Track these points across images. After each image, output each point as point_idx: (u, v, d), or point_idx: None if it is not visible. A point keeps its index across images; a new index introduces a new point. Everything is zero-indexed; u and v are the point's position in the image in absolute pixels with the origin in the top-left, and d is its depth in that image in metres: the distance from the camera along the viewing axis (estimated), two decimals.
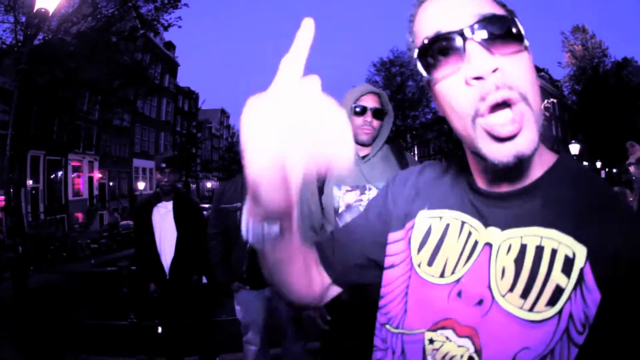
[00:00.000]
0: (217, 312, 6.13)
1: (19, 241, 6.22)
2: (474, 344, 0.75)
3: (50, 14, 5.22)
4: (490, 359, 0.73)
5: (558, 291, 0.70)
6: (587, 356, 0.67)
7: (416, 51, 0.78)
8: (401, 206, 0.96)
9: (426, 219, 0.89)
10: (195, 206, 4.44)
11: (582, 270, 0.69)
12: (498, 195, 0.81)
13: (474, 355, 0.74)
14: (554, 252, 0.72)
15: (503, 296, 0.74)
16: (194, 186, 53.10)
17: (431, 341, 0.80)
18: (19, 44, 13.87)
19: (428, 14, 0.79)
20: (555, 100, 43.34)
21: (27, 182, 22.93)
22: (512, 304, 0.72)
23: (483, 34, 0.71)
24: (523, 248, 0.74)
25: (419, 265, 0.86)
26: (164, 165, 3.94)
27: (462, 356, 0.76)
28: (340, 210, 2.46)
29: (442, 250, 0.84)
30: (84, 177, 30.36)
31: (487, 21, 0.72)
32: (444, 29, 0.73)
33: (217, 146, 66.73)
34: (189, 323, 4.20)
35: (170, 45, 43.38)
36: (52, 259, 15.11)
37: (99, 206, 31.51)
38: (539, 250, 0.73)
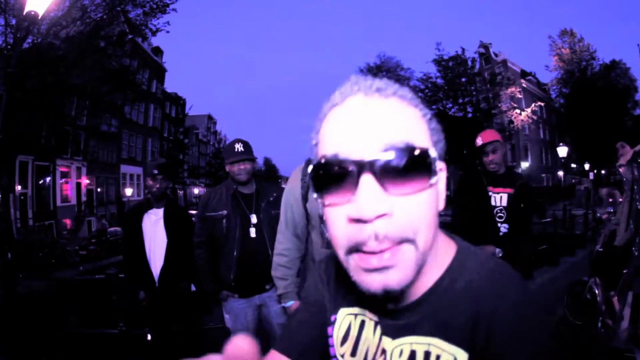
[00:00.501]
0: (207, 319, 6.10)
1: (7, 248, 6.17)
2: None
3: (39, 17, 5.20)
4: None
5: None
6: None
7: (312, 165, 0.73)
8: (328, 301, 1.00)
9: (345, 316, 0.94)
10: (185, 213, 4.42)
11: None
12: (387, 311, 0.84)
13: None
14: (437, 357, 0.76)
15: None
16: (181, 192, 52.92)
17: None
18: (9, 47, 13.77)
19: (334, 126, 0.73)
20: (542, 104, 43.71)
21: (16, 187, 22.74)
22: None
23: (383, 169, 0.66)
24: (413, 353, 0.79)
25: (342, 356, 0.92)
26: (156, 171, 3.92)
27: None
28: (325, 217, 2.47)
29: (362, 343, 0.89)
30: (72, 183, 30.14)
31: (394, 153, 0.67)
32: (343, 153, 0.68)
33: (204, 152, 66.58)
34: (178, 331, 4.18)
35: (158, 51, 43.25)
36: (41, 265, 14.97)
37: (87, 212, 31.28)
38: (427, 355, 0.77)
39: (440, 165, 0.74)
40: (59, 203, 28.22)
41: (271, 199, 3.54)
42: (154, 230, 4.00)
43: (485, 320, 0.74)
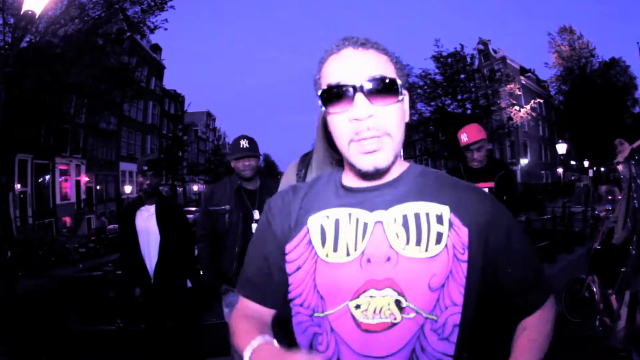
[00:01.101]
0: (207, 315, 6.11)
1: (6, 246, 6.17)
2: (395, 290, 1.04)
3: (37, 16, 5.19)
4: (412, 294, 1.04)
5: (439, 235, 1.08)
6: (470, 266, 1.08)
7: (320, 90, 1.10)
8: (285, 222, 1.22)
9: (316, 221, 1.16)
10: (178, 209, 4.42)
11: (449, 219, 1.10)
12: (374, 187, 1.16)
13: (400, 298, 1.04)
14: (427, 214, 1.10)
15: (403, 249, 1.06)
16: (180, 189, 52.90)
17: (357, 306, 1.06)
18: (7, 46, 13.73)
19: (334, 65, 1.10)
20: (542, 101, 43.64)
21: (16, 186, 22.72)
22: (412, 251, 1.06)
23: (368, 90, 1.04)
24: (405, 217, 1.10)
25: (327, 256, 1.11)
26: (145, 167, 3.92)
27: (389, 303, 1.04)
28: None
29: (341, 237, 1.11)
30: (71, 180, 30.14)
31: (373, 81, 1.05)
32: (343, 81, 1.06)
33: (204, 149, 66.58)
34: (174, 326, 4.19)
35: (156, 48, 43.22)
36: (41, 263, 14.97)
37: (87, 210, 31.29)
38: (417, 215, 1.10)
39: (404, 91, 1.14)
40: (58, 201, 28.22)
41: None
42: (147, 227, 4.00)
43: (451, 187, 1.19)
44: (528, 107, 37.89)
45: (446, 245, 1.07)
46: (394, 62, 1.16)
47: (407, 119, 1.16)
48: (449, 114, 36.77)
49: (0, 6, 14.77)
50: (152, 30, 21.37)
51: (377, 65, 1.09)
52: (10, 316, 6.08)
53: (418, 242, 1.07)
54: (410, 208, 1.11)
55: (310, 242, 1.15)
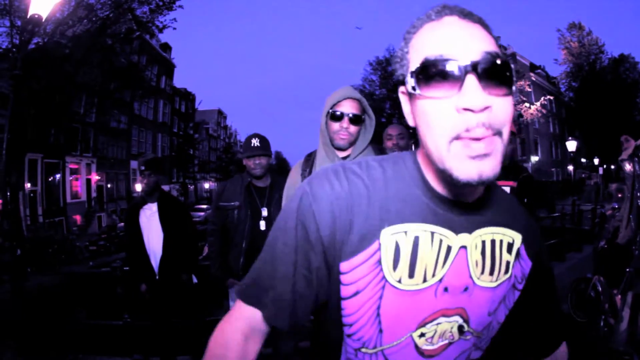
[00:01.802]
0: (216, 311, 6.15)
1: (16, 244, 6.24)
2: (461, 317, 0.97)
3: (43, 20, 5.24)
4: (475, 320, 0.99)
5: (508, 264, 1.00)
6: (523, 295, 1.06)
7: (414, 65, 0.85)
8: (342, 230, 0.94)
9: (391, 237, 0.92)
10: (181, 206, 4.53)
11: (518, 249, 1.02)
12: (464, 204, 0.96)
13: (463, 324, 0.98)
14: (501, 241, 1.00)
15: (479, 279, 0.96)
16: (192, 187, 53.06)
17: (422, 335, 0.96)
18: (14, 48, 13.83)
19: (435, 34, 0.85)
20: (552, 98, 43.39)
21: (26, 185, 22.90)
22: (486, 281, 0.97)
23: (483, 72, 0.79)
24: (484, 243, 0.97)
25: (399, 281, 0.92)
26: (143, 167, 4.01)
27: (452, 327, 0.97)
28: None
29: (419, 260, 0.92)
30: (81, 179, 30.34)
31: (489, 60, 0.81)
32: (449, 55, 0.81)
33: (215, 147, 66.68)
34: (180, 322, 4.24)
35: (166, 47, 43.34)
36: (51, 261, 15.08)
37: (97, 208, 31.47)
38: (493, 242, 0.98)
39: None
40: (68, 199, 28.42)
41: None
42: (150, 225, 4.14)
43: (523, 214, 1.09)
44: (538, 104, 37.76)
45: (510, 276, 1.02)
46: (499, 47, 0.89)
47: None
48: None
49: (7, 9, 14.89)
50: (160, 30, 21.42)
51: (490, 42, 0.85)
52: (20, 312, 6.16)
53: (491, 272, 0.98)
54: (489, 233, 0.98)
55: (379, 262, 0.93)
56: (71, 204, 28.53)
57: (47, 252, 15.38)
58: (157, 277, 4.12)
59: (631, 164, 3.97)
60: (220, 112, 72.23)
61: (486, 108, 0.78)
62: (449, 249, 0.94)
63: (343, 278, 0.94)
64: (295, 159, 2.37)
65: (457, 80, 0.79)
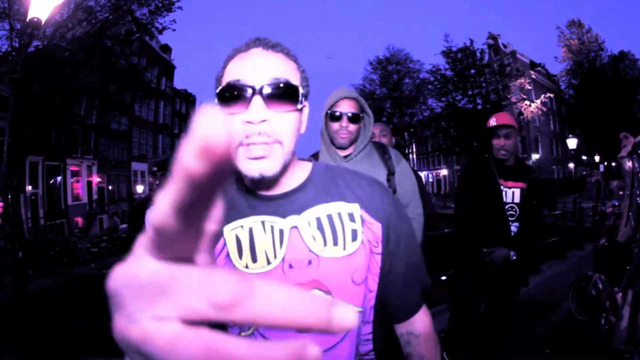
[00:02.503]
0: None
1: (17, 247, 6.24)
2: (321, 290, 1.09)
3: (42, 23, 5.24)
4: (338, 291, 1.10)
5: (354, 232, 1.13)
6: (384, 257, 1.19)
7: (220, 87, 1.07)
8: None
9: (230, 232, 1.11)
10: None
11: (361, 216, 1.16)
12: (282, 195, 1.14)
13: (327, 297, 0.96)
14: (339, 214, 1.14)
15: (322, 251, 1.10)
16: None
17: None
18: (14, 52, 13.85)
19: (239, 64, 1.08)
20: (552, 95, 43.36)
21: (27, 188, 22.92)
22: (331, 252, 1.10)
23: (267, 93, 1.02)
24: (319, 219, 1.12)
25: (246, 267, 1.09)
26: (155, 168, 3.99)
27: None
28: None
29: (257, 246, 1.10)
30: (82, 181, 30.34)
31: (274, 85, 1.02)
32: (244, 80, 1.03)
33: None
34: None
35: (166, 48, 43.31)
36: (53, 263, 15.08)
37: (99, 210, 31.46)
38: (330, 216, 1.13)
39: (305, 101, 1.11)
40: (70, 202, 28.42)
41: None
42: None
43: (354, 184, 1.21)
44: (538, 101, 37.75)
45: (362, 241, 1.14)
46: (300, 71, 1.15)
47: (302, 130, 1.16)
48: (460, 109, 36.78)
49: (6, 12, 14.91)
50: (160, 32, 21.49)
51: (282, 70, 1.07)
52: (21, 314, 6.16)
53: (335, 243, 1.12)
54: (322, 210, 1.15)
55: (228, 255, 1.11)
56: (72, 206, 28.54)
57: (48, 255, 15.40)
58: None
59: (630, 161, 3.95)
60: None
61: (263, 121, 1.00)
62: (281, 231, 1.11)
63: None
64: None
65: (247, 100, 1.01)
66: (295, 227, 1.12)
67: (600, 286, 4.78)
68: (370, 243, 1.17)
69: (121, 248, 19.86)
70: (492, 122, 3.73)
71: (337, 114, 2.52)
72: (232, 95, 1.03)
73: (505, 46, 45.74)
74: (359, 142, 2.63)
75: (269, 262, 1.09)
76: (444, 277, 5.68)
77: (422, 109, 44.08)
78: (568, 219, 13.24)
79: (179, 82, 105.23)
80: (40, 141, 23.06)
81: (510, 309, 3.78)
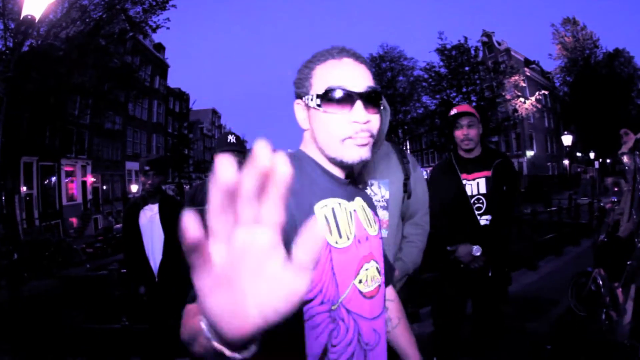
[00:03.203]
0: None
1: (13, 249, 6.20)
2: (374, 260, 1.33)
3: (36, 21, 5.19)
4: (380, 260, 1.38)
5: (375, 219, 1.44)
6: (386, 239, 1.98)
7: (319, 89, 1.22)
8: (299, 209, 1.20)
9: (320, 209, 1.23)
10: (182, 207, 4.43)
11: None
12: (347, 182, 1.35)
13: (377, 265, 1.35)
14: (367, 204, 1.43)
15: (367, 230, 1.34)
16: (187, 187, 53.02)
17: (360, 281, 1.26)
18: (8, 50, 13.77)
19: (337, 71, 1.23)
20: (546, 92, 43.45)
21: (21, 188, 22.84)
22: (371, 231, 1.36)
23: (366, 99, 1.21)
24: (363, 206, 1.39)
25: (336, 243, 1.21)
26: (147, 167, 3.95)
27: (374, 270, 1.32)
28: None
29: (340, 224, 1.24)
30: (77, 181, 30.25)
31: (370, 91, 1.22)
32: (347, 86, 1.20)
33: (209, 146, 66.50)
34: (178, 324, 4.20)
35: (159, 47, 43.20)
36: (48, 264, 15.03)
37: (93, 210, 31.40)
38: (363, 206, 1.39)
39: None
40: (64, 202, 28.34)
41: None
42: (151, 226, 4.06)
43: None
44: (533, 98, 37.84)
45: (379, 226, 1.47)
46: (375, 79, 1.32)
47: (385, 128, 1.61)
48: (454, 107, 36.84)
49: (0, 11, 14.82)
50: (154, 30, 21.44)
51: (371, 79, 1.27)
52: (17, 316, 6.12)
53: (370, 225, 1.38)
54: (360, 200, 1.40)
55: None
56: (67, 207, 28.45)
57: (44, 256, 15.34)
58: (157, 280, 4.06)
59: (631, 158, 3.94)
60: (214, 112, 72.05)
61: (368, 121, 1.21)
62: (350, 213, 1.29)
63: None
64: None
65: (350, 103, 1.20)
66: (355, 210, 1.33)
67: (600, 282, 4.76)
68: (380, 228, 1.46)
69: (116, 248, 19.84)
70: (453, 112, 3.67)
71: None
72: (336, 97, 1.20)
73: (499, 44, 45.78)
74: (377, 136, 2.54)
75: (348, 238, 1.25)
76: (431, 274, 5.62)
77: (416, 106, 44.24)
78: (564, 215, 13.28)
79: (173, 81, 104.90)
80: (34, 141, 23.00)
81: (497, 309, 3.68)
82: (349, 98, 1.20)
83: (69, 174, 29.37)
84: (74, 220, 28.73)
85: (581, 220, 13.59)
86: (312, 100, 1.24)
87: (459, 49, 37.33)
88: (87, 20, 18.83)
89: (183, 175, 48.94)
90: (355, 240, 1.28)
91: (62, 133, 26.31)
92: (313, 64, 1.29)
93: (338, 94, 1.20)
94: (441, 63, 37.84)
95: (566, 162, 44.73)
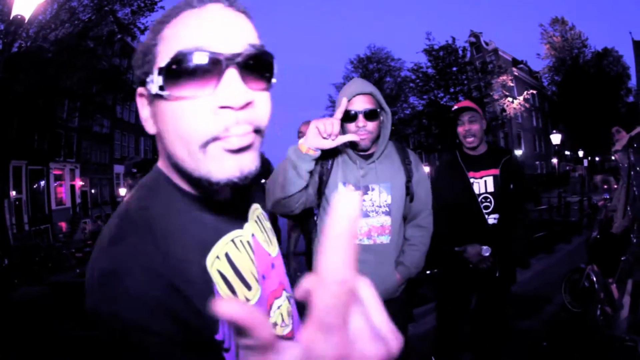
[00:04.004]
0: None
1: (3, 254, 6.15)
2: (284, 290, 1.06)
3: (26, 20, 5.15)
4: (287, 285, 1.08)
5: (271, 229, 1.10)
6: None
7: (164, 60, 0.73)
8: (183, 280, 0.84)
9: (213, 269, 0.85)
10: None
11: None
12: (233, 200, 0.95)
13: (288, 294, 1.07)
14: (263, 214, 1.12)
15: (270, 254, 1.04)
16: None
17: (275, 324, 0.99)
18: None
19: (193, 24, 0.75)
20: (535, 92, 43.75)
21: (11, 193, 22.67)
22: (274, 251, 1.07)
23: (246, 65, 0.74)
24: (257, 224, 1.03)
25: (248, 301, 0.90)
26: (135, 170, 3.92)
27: (287, 302, 1.04)
28: None
29: (244, 273, 0.91)
30: (65, 185, 30.06)
31: (252, 52, 0.75)
32: (207, 47, 0.72)
33: None
34: None
35: None
36: (38, 270, 14.92)
37: (82, 214, 31.19)
38: (258, 217, 1.07)
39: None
40: (53, 206, 28.16)
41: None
42: None
43: None
44: (521, 98, 38.05)
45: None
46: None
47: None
48: (442, 107, 36.95)
49: None
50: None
51: (253, 33, 0.79)
52: (7, 324, 6.06)
53: (270, 242, 1.06)
54: (253, 213, 1.04)
55: (217, 293, 0.84)
56: (56, 211, 28.27)
57: (34, 261, 15.24)
58: None
59: (625, 155, 3.96)
60: None
61: (248, 104, 0.73)
62: (249, 244, 0.94)
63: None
64: (279, 159, 2.19)
65: (215, 75, 0.72)
66: (253, 234, 0.98)
67: (594, 278, 4.79)
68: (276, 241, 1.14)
69: None
70: (454, 108, 3.60)
71: (352, 112, 2.30)
72: (188, 69, 0.72)
73: (487, 44, 46.06)
74: (380, 141, 2.47)
75: (257, 284, 0.92)
76: (428, 272, 5.62)
77: (404, 107, 44.31)
78: (554, 213, 13.36)
79: None
80: (23, 145, 22.84)
81: (502, 308, 3.67)
82: (213, 66, 0.71)
83: (58, 178, 29.18)
84: (63, 225, 28.54)
85: (571, 218, 13.69)
86: (152, 82, 0.75)
87: (446, 49, 37.46)
88: (75, 22, 18.72)
89: None
90: (261, 280, 0.95)
91: (51, 136, 26.17)
92: (161, 25, 0.79)
93: (194, 60, 0.71)
94: (429, 64, 37.96)
95: (555, 160, 45.12)
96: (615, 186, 4.81)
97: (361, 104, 2.32)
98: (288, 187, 2.13)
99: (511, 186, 3.42)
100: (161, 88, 0.73)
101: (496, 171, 3.42)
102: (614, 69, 41.54)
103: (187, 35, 0.74)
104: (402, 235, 2.60)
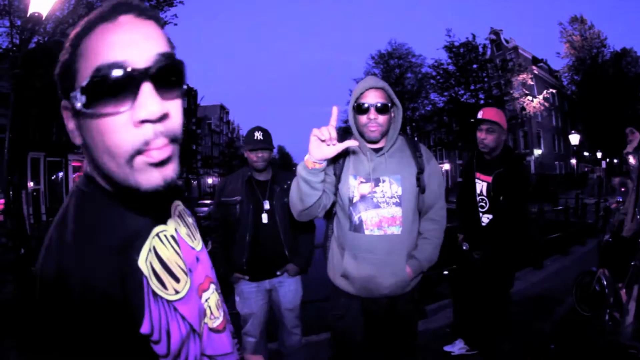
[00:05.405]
0: None
1: (19, 244, 6.23)
2: (212, 283, 1.10)
3: (43, 18, 5.21)
4: (213, 277, 1.12)
5: (194, 224, 1.15)
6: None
7: (84, 77, 0.76)
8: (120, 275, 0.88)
9: (145, 264, 0.87)
10: (187, 202, 4.45)
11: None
12: (154, 203, 0.94)
13: (215, 287, 1.11)
14: (185, 209, 1.15)
15: (195, 249, 1.07)
16: (195, 182, 53.12)
17: (207, 316, 1.04)
18: (15, 47, 13.84)
19: (106, 39, 0.77)
20: (554, 91, 43.23)
21: (28, 184, 22.98)
22: (198, 246, 1.09)
23: (159, 77, 0.76)
24: (180, 219, 1.05)
25: (177, 293, 0.91)
26: None
27: (215, 294, 1.09)
28: (354, 200, 2.49)
29: (171, 267, 0.93)
30: None
31: (163, 62, 0.77)
32: (122, 62, 0.74)
33: (217, 142, 66.77)
34: None
35: None
36: None
37: None
38: (180, 213, 1.10)
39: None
40: None
41: (285, 186, 3.54)
42: None
43: None
44: (541, 97, 37.57)
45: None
46: (170, 44, 0.86)
47: None
48: (463, 104, 36.72)
49: (7, 9, 14.90)
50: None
51: (163, 42, 0.82)
52: (22, 312, 6.18)
53: (194, 238, 1.08)
54: (176, 208, 1.08)
55: (153, 292, 0.86)
56: None
57: None
58: None
59: (636, 157, 3.92)
60: (222, 107, 72.31)
61: (164, 116, 0.77)
62: (174, 238, 0.97)
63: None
64: (299, 153, 2.31)
65: (133, 90, 0.75)
66: (176, 228, 1.00)
67: (605, 282, 4.76)
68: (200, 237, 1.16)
69: None
70: (479, 115, 3.76)
71: (365, 105, 2.41)
72: (107, 87, 0.74)
73: (507, 41, 45.58)
74: (389, 134, 2.55)
75: (185, 277, 0.94)
76: (445, 272, 5.65)
77: (425, 104, 44.06)
78: (570, 215, 13.23)
79: None
80: (41, 137, 23.10)
81: (500, 305, 3.77)
82: (129, 81, 0.74)
83: (77, 170, 29.50)
84: None
85: (587, 220, 13.54)
86: (76, 99, 0.76)
87: (466, 46, 37.14)
88: None
89: (191, 171, 49.12)
90: (189, 274, 0.96)
91: None
92: (79, 40, 0.80)
93: (111, 77, 0.73)
94: (449, 60, 37.66)
95: (573, 161, 44.56)
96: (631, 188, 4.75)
97: (373, 98, 2.42)
98: (306, 200, 2.33)
99: (500, 197, 3.62)
100: (84, 106, 0.75)
101: (489, 179, 3.69)
102: (632, 69, 40.83)
103: (103, 51, 0.76)
104: (417, 229, 2.64)
